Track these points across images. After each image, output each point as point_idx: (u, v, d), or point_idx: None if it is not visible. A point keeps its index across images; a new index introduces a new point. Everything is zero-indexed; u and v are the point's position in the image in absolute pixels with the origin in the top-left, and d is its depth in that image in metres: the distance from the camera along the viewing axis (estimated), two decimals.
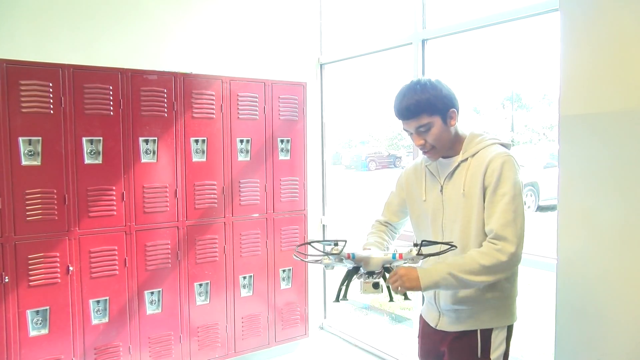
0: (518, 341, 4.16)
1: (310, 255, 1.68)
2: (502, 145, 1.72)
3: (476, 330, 1.71)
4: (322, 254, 1.63)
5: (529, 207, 8.45)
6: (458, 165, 1.72)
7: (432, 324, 1.85)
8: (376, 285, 1.60)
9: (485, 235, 1.64)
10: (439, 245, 1.65)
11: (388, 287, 1.64)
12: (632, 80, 1.87)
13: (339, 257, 1.59)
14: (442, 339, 1.81)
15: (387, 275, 1.63)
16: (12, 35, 2.94)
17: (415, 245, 1.58)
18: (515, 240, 1.57)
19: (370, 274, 1.60)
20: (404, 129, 1.74)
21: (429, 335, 1.88)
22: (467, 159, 1.71)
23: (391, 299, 1.64)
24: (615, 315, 1.95)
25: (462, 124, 1.77)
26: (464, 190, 1.68)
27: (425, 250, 1.58)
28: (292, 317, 3.66)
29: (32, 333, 2.74)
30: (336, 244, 1.58)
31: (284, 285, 3.61)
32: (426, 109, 1.65)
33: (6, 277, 2.65)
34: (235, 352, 3.42)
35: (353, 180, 14.39)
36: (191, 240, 3.21)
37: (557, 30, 2.11)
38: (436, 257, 1.61)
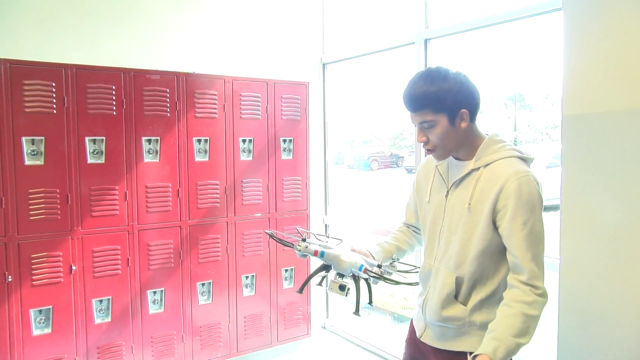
0: None
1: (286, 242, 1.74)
2: (522, 159, 1.54)
3: (466, 353, 1.59)
4: (288, 244, 1.68)
5: None
6: (469, 173, 1.57)
7: (418, 334, 1.75)
8: (342, 288, 1.59)
9: (487, 256, 1.53)
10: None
11: (357, 301, 1.59)
12: (635, 80, 1.86)
13: (303, 254, 1.61)
14: (432, 354, 1.70)
15: (355, 283, 1.61)
16: (15, 35, 2.94)
17: (379, 266, 1.57)
18: (542, 272, 1.48)
19: (341, 275, 1.60)
20: (412, 121, 1.59)
21: (415, 344, 1.79)
22: (479, 168, 1.55)
23: (357, 312, 1.61)
24: (618, 315, 1.94)
25: (482, 125, 1.63)
26: (469, 204, 1.53)
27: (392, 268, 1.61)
28: (295, 317, 3.67)
29: (35, 332, 2.75)
30: (304, 239, 1.61)
31: (286, 284, 3.61)
32: (431, 104, 1.50)
33: (9, 277, 2.65)
34: (238, 352, 3.43)
35: (355, 180, 14.39)
36: (194, 240, 3.21)
37: (560, 29, 2.10)
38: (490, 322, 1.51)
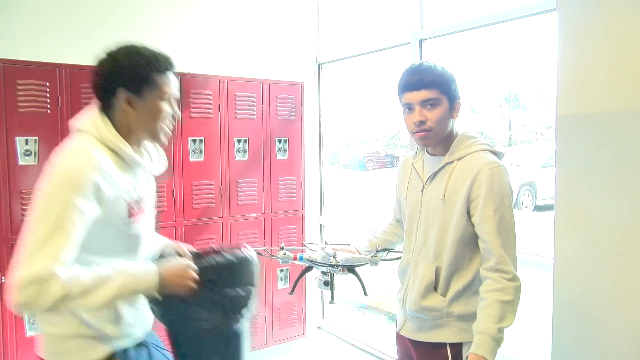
0: (514, 342, 4.18)
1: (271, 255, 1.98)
2: (493, 152, 1.61)
3: (446, 344, 1.63)
4: (271, 256, 1.94)
5: (526, 206, 8.48)
6: (443, 167, 1.64)
7: (397, 328, 1.79)
8: (326, 283, 1.82)
9: (462, 245, 1.59)
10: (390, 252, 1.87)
11: (331, 291, 1.81)
12: (628, 80, 1.88)
13: (285, 261, 1.86)
14: (412, 348, 1.74)
15: (331, 277, 1.82)
16: (9, 34, 2.92)
17: (336, 266, 1.77)
18: (514, 260, 1.54)
19: (324, 272, 1.81)
20: (406, 102, 1.61)
21: (399, 340, 1.82)
22: (452, 162, 1.62)
23: (332, 301, 1.84)
24: (612, 315, 1.95)
25: (460, 124, 1.71)
26: (444, 195, 1.60)
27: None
28: (290, 317, 3.66)
29: (29, 333, 2.73)
30: (282, 248, 1.86)
31: (281, 285, 3.60)
32: (441, 85, 1.58)
33: (3, 277, 2.64)
34: None
35: (351, 180, 14.40)
36: (189, 240, 3.20)
37: (554, 30, 2.11)
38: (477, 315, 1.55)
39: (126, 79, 1.38)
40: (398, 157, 15.71)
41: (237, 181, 3.38)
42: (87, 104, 2.80)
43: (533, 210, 8.40)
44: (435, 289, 1.64)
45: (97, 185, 1.28)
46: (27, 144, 2.69)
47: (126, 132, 1.42)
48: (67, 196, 1.24)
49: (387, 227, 2.02)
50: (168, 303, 1.41)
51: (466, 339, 1.60)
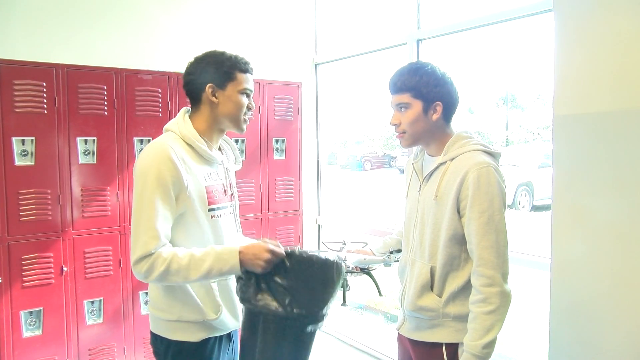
0: (512, 341, 4.18)
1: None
2: (487, 152, 1.60)
3: (442, 344, 1.65)
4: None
5: (523, 206, 8.49)
6: (437, 167, 1.65)
7: (397, 326, 1.81)
8: (343, 285, 1.84)
9: (455, 245, 1.59)
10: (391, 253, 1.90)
11: (344, 294, 1.86)
12: (625, 80, 1.88)
13: None
14: (411, 347, 1.76)
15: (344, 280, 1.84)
16: (6, 34, 2.92)
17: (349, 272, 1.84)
18: (504, 262, 1.53)
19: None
20: (391, 105, 1.71)
21: (400, 339, 1.84)
22: (445, 162, 1.63)
23: (344, 303, 1.88)
24: (609, 314, 1.96)
25: (458, 124, 1.72)
26: (437, 196, 1.61)
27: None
28: None
29: (26, 334, 2.72)
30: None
31: None
32: (410, 89, 1.62)
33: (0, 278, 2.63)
34: None
35: (348, 180, 14.41)
36: None
37: (551, 30, 2.12)
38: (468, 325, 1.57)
39: (214, 75, 1.64)
40: (395, 157, 15.73)
41: (235, 181, 3.37)
42: (84, 104, 2.83)
43: (530, 211, 8.42)
44: (432, 288, 1.65)
45: (174, 174, 1.51)
46: (23, 144, 2.68)
47: (210, 126, 1.67)
48: (151, 187, 1.49)
49: (402, 227, 2.01)
50: (246, 279, 1.58)
51: (462, 339, 1.60)
